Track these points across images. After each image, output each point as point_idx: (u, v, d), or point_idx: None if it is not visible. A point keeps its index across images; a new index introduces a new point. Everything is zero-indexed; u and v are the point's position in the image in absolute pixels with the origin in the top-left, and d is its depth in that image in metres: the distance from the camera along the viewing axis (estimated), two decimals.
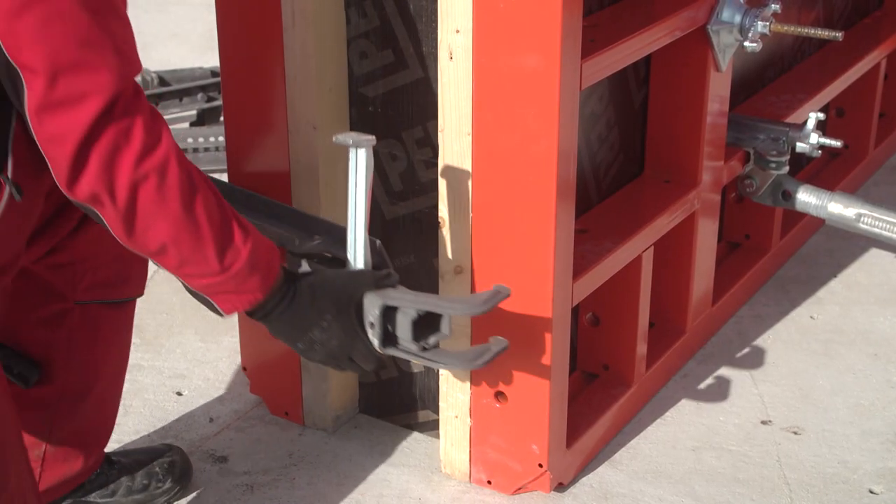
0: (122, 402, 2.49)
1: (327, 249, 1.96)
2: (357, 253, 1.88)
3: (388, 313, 1.83)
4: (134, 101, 1.55)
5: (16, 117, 1.60)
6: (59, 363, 2.00)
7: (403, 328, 1.82)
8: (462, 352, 1.99)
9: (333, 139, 1.86)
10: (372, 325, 1.82)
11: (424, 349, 1.84)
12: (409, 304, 1.82)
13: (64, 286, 1.96)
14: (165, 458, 2.23)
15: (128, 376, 2.58)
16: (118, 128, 1.53)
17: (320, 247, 1.96)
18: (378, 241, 1.93)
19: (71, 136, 1.51)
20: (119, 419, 2.43)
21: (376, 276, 1.84)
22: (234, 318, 2.47)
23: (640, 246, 2.31)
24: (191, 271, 1.68)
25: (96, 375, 2.05)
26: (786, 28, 2.43)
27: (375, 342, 1.83)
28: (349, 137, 1.85)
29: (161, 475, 2.21)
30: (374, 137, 1.86)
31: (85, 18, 1.49)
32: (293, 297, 1.78)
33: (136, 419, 2.45)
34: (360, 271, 1.86)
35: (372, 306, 1.82)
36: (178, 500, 2.23)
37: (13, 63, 1.49)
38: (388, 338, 1.84)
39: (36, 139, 1.54)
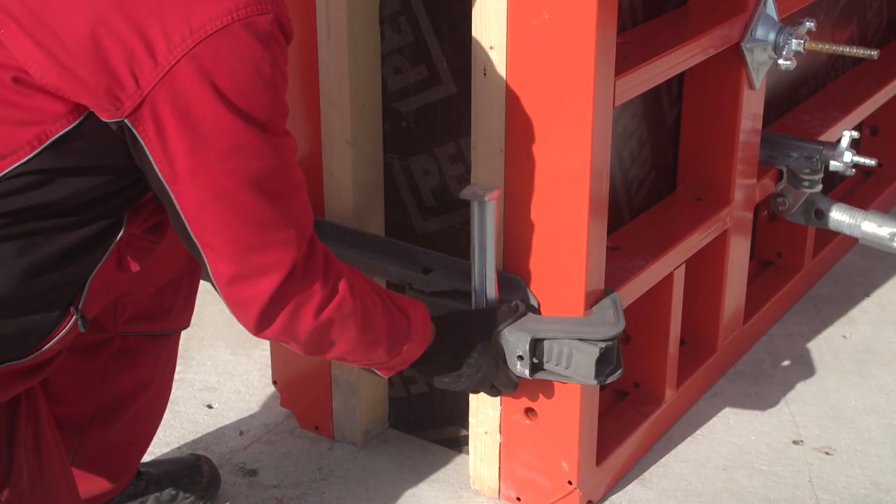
0: None
1: (455, 286, 2.08)
2: (488, 290, 2.01)
3: (535, 343, 1.97)
4: (310, 261, 1.67)
5: (105, 260, 1.65)
6: (93, 387, 2.00)
7: (583, 365, 1.96)
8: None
9: (461, 195, 1.97)
10: (521, 357, 1.96)
11: (567, 368, 1.98)
12: (556, 334, 1.96)
13: (105, 318, 1.97)
14: (193, 468, 2.24)
15: None
16: (298, 291, 1.65)
17: (448, 283, 2.09)
18: (517, 277, 2.05)
19: (255, 304, 1.64)
20: None
21: (511, 309, 1.99)
22: None
23: (671, 263, 2.30)
24: (363, 364, 1.89)
25: (132, 400, 2.06)
26: (820, 46, 2.42)
27: (526, 372, 1.97)
28: (476, 192, 1.96)
29: (189, 485, 2.21)
30: (499, 189, 1.98)
31: (263, 207, 1.58)
32: (441, 344, 1.94)
33: (166, 431, 2.46)
34: (494, 308, 2.00)
35: (520, 341, 1.95)
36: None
37: (196, 241, 1.61)
38: (535, 367, 1.99)
39: (224, 302, 1.67)
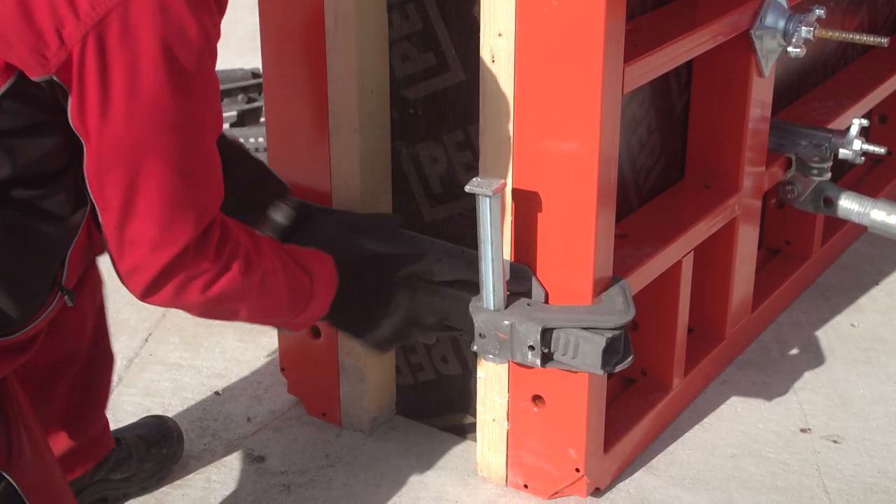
0: (160, 401, 2.52)
1: (462, 275, 2.07)
2: (496, 283, 1.99)
3: (546, 334, 1.97)
4: (204, 241, 1.65)
5: (79, 236, 1.67)
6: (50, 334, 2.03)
7: (589, 354, 1.96)
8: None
9: (466, 188, 1.94)
10: (532, 347, 1.96)
11: (574, 357, 1.97)
12: (564, 323, 1.96)
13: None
14: (162, 427, 2.32)
15: (166, 375, 2.61)
16: (187, 267, 1.64)
17: (456, 273, 2.09)
18: (524, 266, 2.04)
19: (143, 274, 1.63)
20: None
21: (415, 254, 2.04)
22: None
23: (679, 251, 2.30)
24: (267, 325, 1.93)
25: (79, 339, 2.09)
26: (830, 33, 2.41)
27: (537, 362, 1.98)
28: (482, 187, 1.94)
29: (163, 442, 2.29)
30: (504, 182, 1.96)
31: (169, 181, 1.57)
32: (348, 292, 1.91)
33: (174, 417, 2.46)
34: (401, 253, 2.05)
35: (530, 331, 1.95)
36: (180, 462, 2.30)
37: (93, 200, 1.59)
38: (546, 357, 1.99)
39: (111, 259, 1.64)
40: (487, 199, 1.92)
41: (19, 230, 1.58)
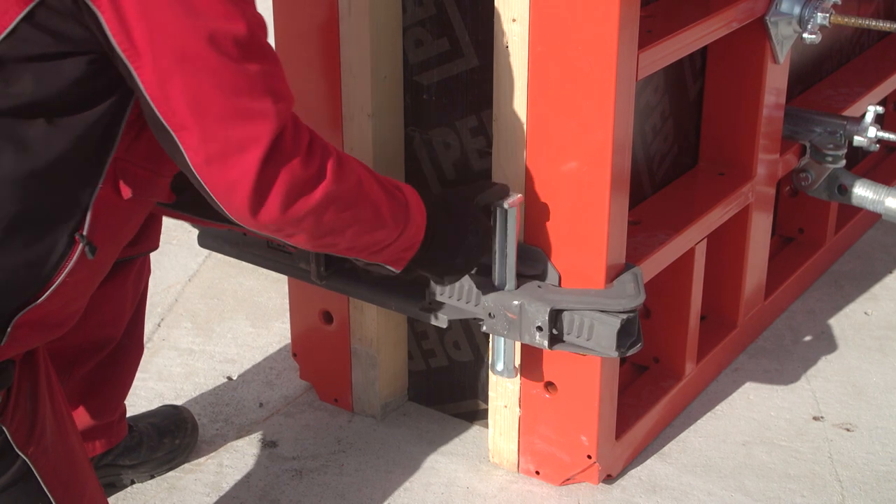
0: (173, 386, 2.52)
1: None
2: (508, 276, 2.01)
3: (555, 315, 1.97)
4: (295, 136, 1.57)
5: (103, 182, 1.61)
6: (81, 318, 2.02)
7: (604, 336, 1.95)
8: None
9: (478, 200, 1.95)
10: (540, 328, 1.96)
11: (588, 339, 1.97)
12: (576, 305, 1.96)
13: None
14: (177, 417, 2.32)
15: (179, 360, 2.61)
16: (285, 166, 1.56)
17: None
18: (538, 249, 2.05)
19: (241, 186, 1.54)
20: (170, 402, 2.46)
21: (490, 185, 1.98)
22: (285, 305, 2.48)
23: (693, 238, 2.29)
24: (372, 253, 1.78)
25: (115, 327, 2.10)
26: (845, 20, 2.40)
27: (545, 343, 1.97)
28: (497, 196, 1.97)
29: (176, 432, 2.29)
30: (520, 196, 1.99)
31: (230, 69, 1.50)
32: (438, 219, 1.85)
33: (186, 403, 2.47)
34: (474, 184, 2.00)
35: (539, 311, 1.95)
36: (192, 453, 2.30)
37: (167, 126, 1.52)
38: (555, 338, 1.98)
39: (211, 196, 1.57)
40: (503, 212, 1.95)
41: (39, 171, 1.53)
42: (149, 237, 2.09)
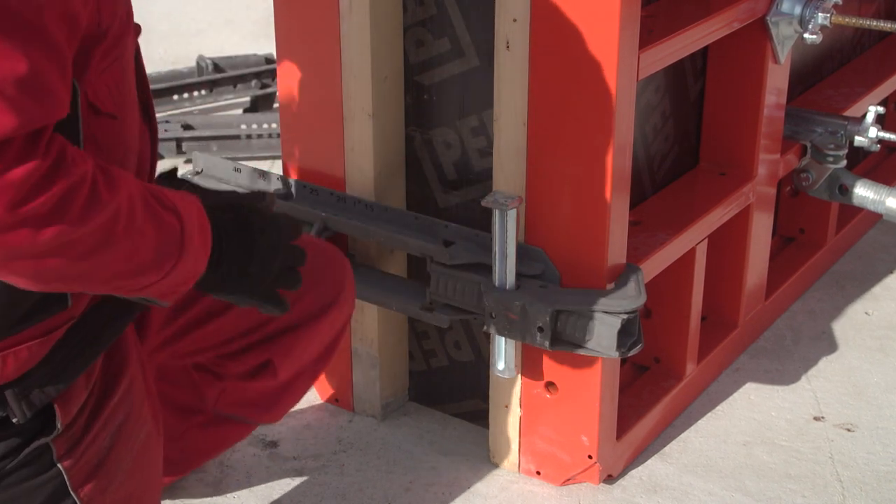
0: None
1: (476, 259, 2.06)
2: (508, 277, 2.00)
3: (556, 315, 1.97)
4: (32, 146, 1.26)
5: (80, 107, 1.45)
6: (167, 444, 1.94)
7: (604, 336, 1.95)
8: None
9: (483, 203, 1.97)
10: (541, 329, 1.95)
11: (588, 339, 1.97)
12: (577, 305, 1.96)
13: (209, 391, 2.02)
14: None
15: None
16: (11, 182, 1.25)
17: (469, 256, 2.06)
18: (539, 249, 2.04)
19: None
20: None
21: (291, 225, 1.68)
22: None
23: (693, 238, 2.29)
24: (131, 289, 1.46)
25: (177, 466, 2.10)
26: (846, 20, 2.40)
27: (546, 343, 1.97)
28: (498, 200, 1.96)
29: None
30: (521, 198, 1.99)
31: None
32: (228, 241, 1.57)
33: None
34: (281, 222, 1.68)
35: (540, 312, 1.95)
36: None
37: None
38: (556, 339, 1.98)
39: None
40: (503, 213, 1.95)
41: None
42: (275, 410, 2.08)
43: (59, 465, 1.57)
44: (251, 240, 1.59)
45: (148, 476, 1.74)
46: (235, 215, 1.59)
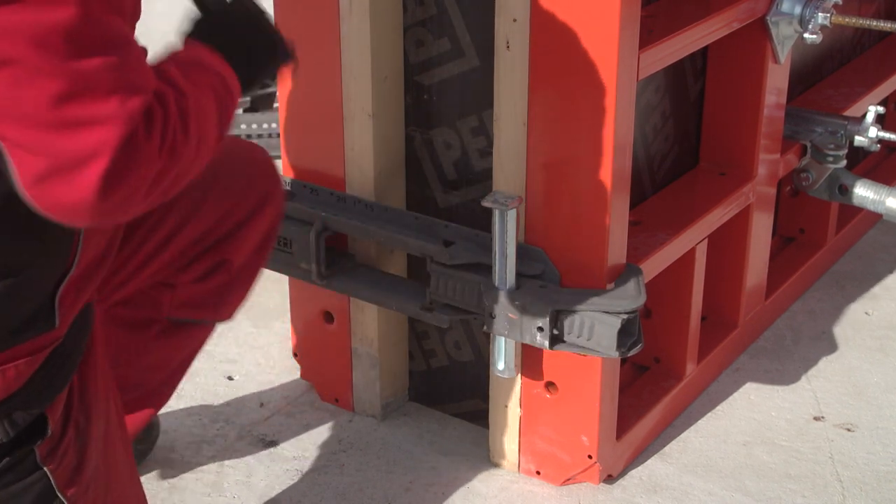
0: None
1: (477, 259, 2.06)
2: (508, 277, 2.00)
3: (556, 315, 1.97)
4: (147, 130, 1.34)
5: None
6: (129, 360, 2.02)
7: (604, 336, 1.95)
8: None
9: (483, 203, 1.97)
10: (541, 329, 1.95)
11: (588, 339, 1.97)
12: (577, 305, 1.96)
13: (161, 298, 2.01)
14: None
15: None
16: (137, 173, 1.33)
17: (469, 256, 2.07)
18: (539, 249, 2.03)
19: (81, 208, 1.31)
20: (170, 402, 2.45)
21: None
22: (286, 305, 2.48)
23: (693, 238, 2.29)
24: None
25: (152, 375, 2.09)
26: (846, 20, 2.40)
27: (546, 343, 1.97)
28: (498, 200, 1.96)
29: (142, 438, 2.26)
30: (521, 198, 1.98)
31: (59, 69, 1.26)
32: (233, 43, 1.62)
33: (187, 402, 2.47)
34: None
35: (540, 312, 1.95)
36: (144, 457, 2.29)
37: None
38: (556, 339, 1.98)
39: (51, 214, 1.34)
40: (503, 213, 1.95)
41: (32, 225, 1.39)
42: (226, 306, 2.08)
43: (44, 469, 1.59)
44: (249, 26, 1.65)
45: (119, 472, 1.76)
46: (224, 26, 1.63)
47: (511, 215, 1.95)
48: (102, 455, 1.69)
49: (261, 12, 1.71)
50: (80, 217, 1.33)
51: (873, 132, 2.59)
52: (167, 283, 2.01)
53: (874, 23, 2.45)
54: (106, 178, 1.29)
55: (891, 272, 2.98)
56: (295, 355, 2.49)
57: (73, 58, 1.26)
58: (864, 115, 2.60)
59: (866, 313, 2.81)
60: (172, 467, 2.28)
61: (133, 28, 1.45)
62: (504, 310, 2.00)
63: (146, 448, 2.29)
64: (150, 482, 2.24)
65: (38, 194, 1.31)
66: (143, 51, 1.42)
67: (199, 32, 1.62)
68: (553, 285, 2.02)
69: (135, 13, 1.43)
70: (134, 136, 1.30)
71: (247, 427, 2.40)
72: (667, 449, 2.34)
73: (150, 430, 2.31)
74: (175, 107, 1.39)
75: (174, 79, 1.44)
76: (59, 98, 1.26)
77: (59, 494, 1.61)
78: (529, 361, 2.15)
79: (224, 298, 2.06)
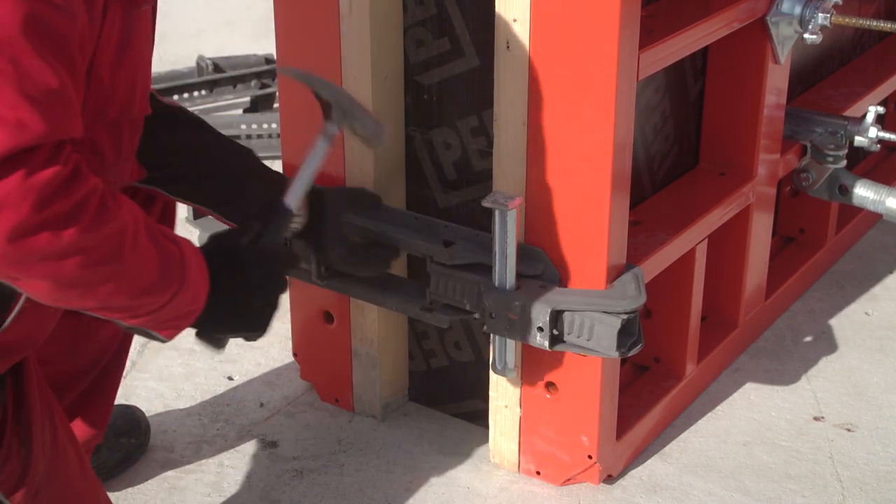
0: (173, 385, 2.53)
1: (477, 259, 2.06)
2: (508, 277, 2.00)
3: (556, 315, 1.97)
4: (51, 160, 1.36)
5: None
6: (76, 344, 2.03)
7: (604, 336, 1.95)
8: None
9: (483, 203, 1.97)
10: (541, 329, 1.96)
11: (588, 339, 1.97)
12: (577, 305, 1.96)
13: None
14: (129, 416, 2.31)
15: (180, 360, 2.61)
16: (25, 192, 1.34)
17: (469, 256, 2.07)
18: (539, 249, 2.04)
19: None
20: (170, 402, 2.46)
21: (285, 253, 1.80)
22: (286, 304, 2.48)
23: (693, 238, 2.29)
24: (136, 314, 1.55)
25: (104, 352, 2.10)
26: (847, 20, 2.40)
27: (545, 343, 1.98)
28: (498, 200, 1.97)
29: (131, 432, 2.28)
30: (521, 198, 1.98)
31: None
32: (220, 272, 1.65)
33: (187, 403, 2.47)
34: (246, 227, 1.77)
35: (540, 312, 1.95)
36: (143, 451, 2.30)
37: None
38: (555, 339, 1.99)
39: None
40: (503, 214, 1.95)
41: None
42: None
43: None
44: (245, 278, 1.67)
45: (72, 473, 1.76)
46: (225, 258, 1.67)
47: (511, 215, 1.95)
48: (52, 459, 1.70)
49: (277, 285, 1.74)
50: None
51: (873, 132, 2.59)
52: None
53: (874, 23, 2.45)
54: None
55: (891, 272, 2.98)
56: (295, 355, 2.49)
57: None
58: (864, 116, 2.60)
59: (866, 313, 2.81)
60: (172, 467, 2.28)
61: (78, 74, 1.44)
62: (504, 310, 2.00)
63: (140, 442, 2.29)
64: (150, 482, 2.24)
65: None
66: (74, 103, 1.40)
67: (214, 250, 1.66)
68: (553, 285, 2.02)
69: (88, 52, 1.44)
70: (35, 151, 1.33)
71: (247, 427, 2.40)
72: (667, 449, 2.34)
73: (138, 422, 2.31)
74: (98, 196, 1.41)
75: (120, 198, 1.46)
76: None
77: (5, 502, 1.62)
78: (529, 361, 2.15)
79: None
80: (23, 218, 1.34)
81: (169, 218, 2.10)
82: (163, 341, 1.62)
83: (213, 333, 1.72)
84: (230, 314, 1.67)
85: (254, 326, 1.74)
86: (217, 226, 2.10)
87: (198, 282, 1.58)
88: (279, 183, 1.99)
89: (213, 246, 1.70)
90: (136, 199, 1.99)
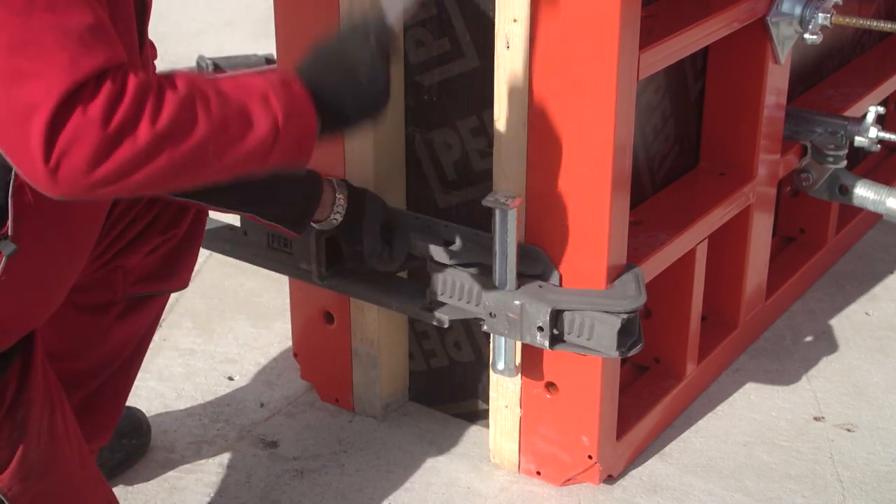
0: (174, 386, 2.53)
1: (477, 259, 2.07)
2: (508, 277, 2.01)
3: (556, 315, 1.97)
4: (95, 89, 1.37)
5: (16, 177, 1.51)
6: (94, 345, 2.04)
7: (604, 336, 1.95)
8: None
9: (483, 203, 1.97)
10: (541, 328, 1.95)
11: (588, 339, 1.97)
12: (577, 305, 1.96)
13: (115, 281, 2.01)
14: (131, 417, 2.31)
15: (180, 360, 2.61)
16: (83, 128, 1.36)
17: (469, 256, 2.07)
18: (539, 249, 2.04)
19: (31, 157, 1.36)
20: (171, 402, 2.46)
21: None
22: (286, 305, 2.48)
23: (694, 238, 2.29)
24: (258, 157, 1.52)
25: (119, 354, 2.10)
26: (847, 20, 2.40)
27: (545, 343, 1.97)
28: (499, 200, 1.96)
29: (133, 433, 2.29)
30: (522, 198, 1.98)
31: (11, 23, 1.34)
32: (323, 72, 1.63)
33: (187, 403, 2.47)
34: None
35: (540, 312, 1.95)
36: (144, 452, 2.30)
37: None
38: (556, 338, 1.98)
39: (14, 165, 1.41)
40: (503, 213, 1.95)
41: None
42: (179, 275, 2.10)
43: None
44: (334, 48, 1.64)
45: (68, 470, 1.76)
46: (317, 58, 1.63)
47: (511, 215, 1.95)
48: (48, 451, 1.70)
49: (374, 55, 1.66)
50: (36, 176, 1.37)
51: (873, 132, 2.59)
52: (116, 265, 2.02)
53: (874, 23, 2.45)
54: (48, 131, 1.34)
55: (891, 272, 2.98)
56: (295, 355, 2.49)
57: (26, 13, 1.34)
58: (864, 116, 2.60)
59: (866, 313, 2.81)
60: (172, 467, 2.28)
61: (124, 16, 1.51)
62: (504, 310, 2.00)
63: (141, 443, 2.30)
64: (150, 482, 2.24)
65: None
66: (135, 41, 1.47)
67: (307, 67, 1.62)
68: (553, 285, 2.02)
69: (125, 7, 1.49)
70: (77, 95, 1.35)
71: (247, 427, 2.40)
72: (667, 449, 2.34)
73: (140, 423, 2.31)
74: (140, 91, 1.40)
75: (173, 76, 1.47)
76: (9, 48, 1.33)
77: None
78: (529, 361, 2.15)
79: (175, 267, 2.08)
80: (96, 142, 1.36)
81: (201, 223, 2.11)
82: (301, 170, 1.68)
83: (341, 126, 1.68)
84: (342, 92, 1.63)
85: (371, 98, 1.66)
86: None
87: (299, 94, 1.55)
88: (306, 176, 1.98)
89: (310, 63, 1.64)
90: (169, 210, 2.02)
